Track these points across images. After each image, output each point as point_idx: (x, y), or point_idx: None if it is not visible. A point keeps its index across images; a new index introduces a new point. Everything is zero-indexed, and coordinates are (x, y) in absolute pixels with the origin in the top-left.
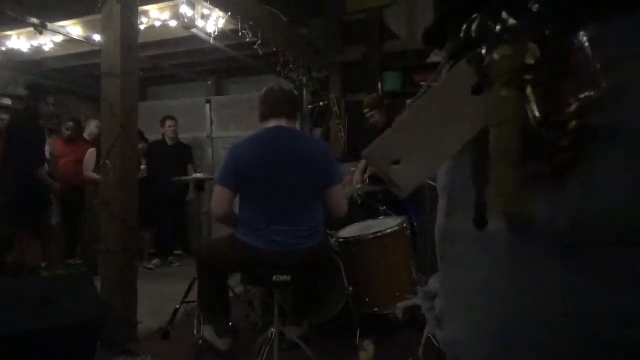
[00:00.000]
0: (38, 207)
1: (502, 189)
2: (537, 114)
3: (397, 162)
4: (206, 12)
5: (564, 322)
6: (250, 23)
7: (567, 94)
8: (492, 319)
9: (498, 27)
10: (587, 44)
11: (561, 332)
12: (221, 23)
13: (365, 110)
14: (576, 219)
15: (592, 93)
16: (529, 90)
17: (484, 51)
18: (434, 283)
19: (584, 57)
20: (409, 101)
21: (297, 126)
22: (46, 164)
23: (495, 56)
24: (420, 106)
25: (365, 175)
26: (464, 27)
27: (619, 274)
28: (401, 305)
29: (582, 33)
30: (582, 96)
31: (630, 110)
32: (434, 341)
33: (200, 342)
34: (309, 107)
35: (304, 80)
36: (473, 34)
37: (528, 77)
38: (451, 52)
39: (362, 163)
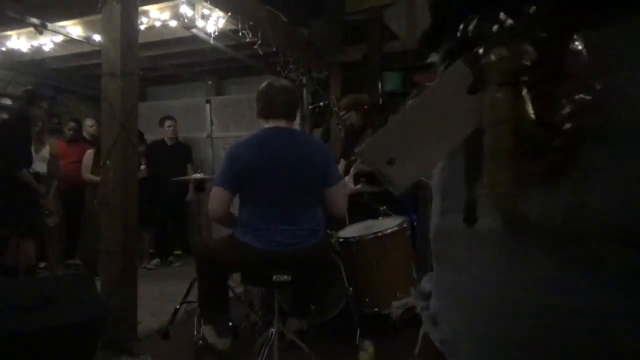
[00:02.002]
0: (27, 207)
1: (494, 188)
2: (531, 115)
3: (391, 161)
4: (206, 12)
5: (555, 318)
6: (250, 23)
7: (561, 96)
8: (485, 316)
9: (495, 28)
10: (581, 47)
11: (553, 328)
12: (221, 23)
13: (342, 112)
14: (568, 217)
15: (585, 95)
16: (524, 92)
17: (480, 51)
18: (426, 282)
19: (578, 59)
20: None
21: (297, 122)
22: (46, 165)
23: (492, 57)
24: (415, 105)
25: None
26: (461, 26)
27: (608, 271)
28: (400, 305)
29: (577, 36)
30: (575, 98)
31: (620, 113)
32: (431, 339)
33: (200, 342)
34: (309, 107)
35: (304, 80)
36: (470, 34)
37: (523, 78)
38: (447, 51)
39: (342, 164)
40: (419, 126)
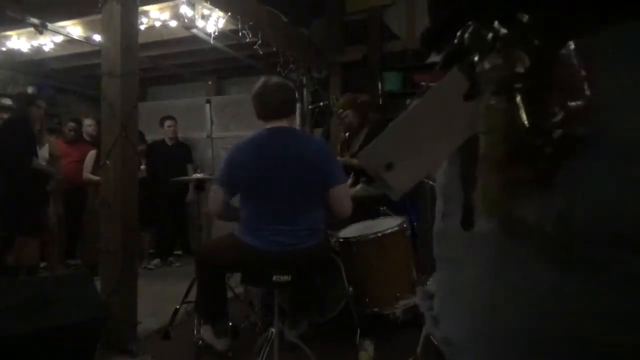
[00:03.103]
0: (35, 206)
1: (489, 193)
2: (524, 122)
3: (390, 166)
4: (206, 12)
5: (551, 321)
6: (250, 23)
7: (553, 103)
8: (484, 317)
9: (490, 36)
10: (573, 55)
11: (549, 331)
12: (221, 23)
13: (340, 111)
14: (561, 221)
15: (577, 102)
16: (517, 99)
17: (475, 59)
18: (432, 283)
19: (570, 67)
20: (409, 101)
21: (297, 122)
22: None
23: (486, 65)
24: (413, 111)
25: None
26: (458, 34)
27: (602, 275)
28: (400, 305)
29: (569, 44)
30: (566, 106)
31: (611, 119)
32: (433, 340)
33: (200, 342)
34: (309, 107)
35: (304, 80)
36: (466, 42)
37: (517, 85)
38: (444, 57)
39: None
40: (417, 132)
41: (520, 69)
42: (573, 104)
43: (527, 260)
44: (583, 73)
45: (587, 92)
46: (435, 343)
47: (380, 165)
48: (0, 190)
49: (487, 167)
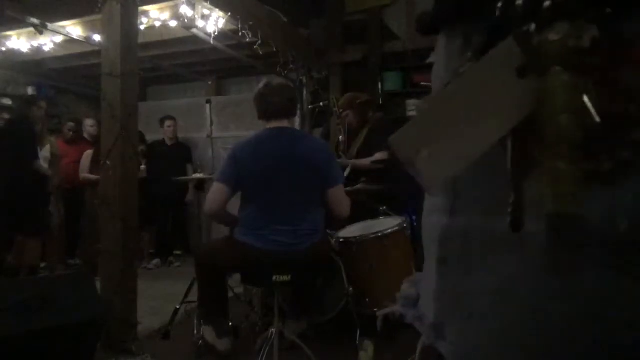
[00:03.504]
0: (36, 206)
1: (557, 187)
2: (597, 105)
3: (425, 152)
4: (206, 12)
5: (607, 328)
6: (250, 23)
7: (631, 85)
8: (516, 325)
9: (547, 3)
10: None
11: (605, 337)
12: (221, 23)
13: (340, 110)
14: (633, 221)
15: None
16: (588, 77)
17: (532, 28)
18: (409, 288)
19: None
20: (409, 101)
21: (297, 122)
22: (46, 164)
23: (552, 35)
24: (454, 90)
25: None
26: (500, 3)
27: None
28: (380, 314)
29: None
30: None
31: None
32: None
33: (200, 342)
34: (309, 107)
35: (304, 80)
36: (518, 10)
37: (588, 61)
38: (483, 29)
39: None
40: (459, 112)
41: (587, 42)
42: None
43: (579, 264)
44: None
45: None
46: (434, 354)
47: (413, 150)
48: (1, 191)
49: (556, 157)
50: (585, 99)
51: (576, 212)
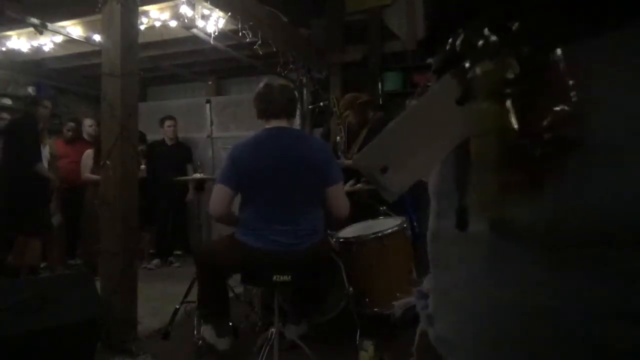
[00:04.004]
0: (37, 206)
1: (481, 195)
2: (515, 125)
3: (385, 169)
4: (206, 12)
5: (541, 319)
6: (250, 23)
7: (544, 107)
8: (476, 316)
9: (480, 43)
10: (561, 60)
11: (540, 329)
12: (221, 23)
13: (341, 110)
14: (551, 222)
15: (564, 107)
16: (508, 103)
17: (467, 65)
18: (427, 282)
19: (558, 72)
20: (408, 101)
21: (297, 122)
22: (47, 164)
23: (478, 70)
24: (407, 115)
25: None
26: (450, 41)
27: (590, 272)
28: (397, 304)
29: (557, 50)
30: (555, 109)
31: (597, 123)
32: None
33: (200, 342)
34: (309, 107)
35: (304, 80)
36: (457, 49)
37: (508, 90)
38: (438, 64)
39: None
40: (412, 135)
41: (510, 75)
42: (562, 107)
43: (519, 260)
44: (572, 78)
45: (577, 97)
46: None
47: (376, 167)
48: (2, 191)
49: (480, 170)
50: (508, 121)
51: (498, 216)
